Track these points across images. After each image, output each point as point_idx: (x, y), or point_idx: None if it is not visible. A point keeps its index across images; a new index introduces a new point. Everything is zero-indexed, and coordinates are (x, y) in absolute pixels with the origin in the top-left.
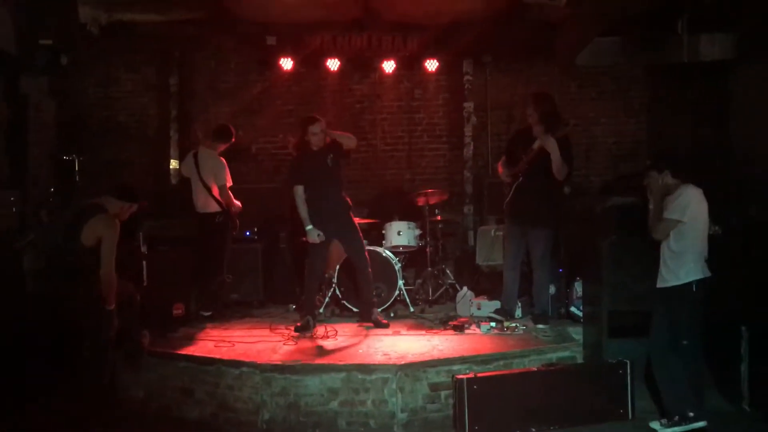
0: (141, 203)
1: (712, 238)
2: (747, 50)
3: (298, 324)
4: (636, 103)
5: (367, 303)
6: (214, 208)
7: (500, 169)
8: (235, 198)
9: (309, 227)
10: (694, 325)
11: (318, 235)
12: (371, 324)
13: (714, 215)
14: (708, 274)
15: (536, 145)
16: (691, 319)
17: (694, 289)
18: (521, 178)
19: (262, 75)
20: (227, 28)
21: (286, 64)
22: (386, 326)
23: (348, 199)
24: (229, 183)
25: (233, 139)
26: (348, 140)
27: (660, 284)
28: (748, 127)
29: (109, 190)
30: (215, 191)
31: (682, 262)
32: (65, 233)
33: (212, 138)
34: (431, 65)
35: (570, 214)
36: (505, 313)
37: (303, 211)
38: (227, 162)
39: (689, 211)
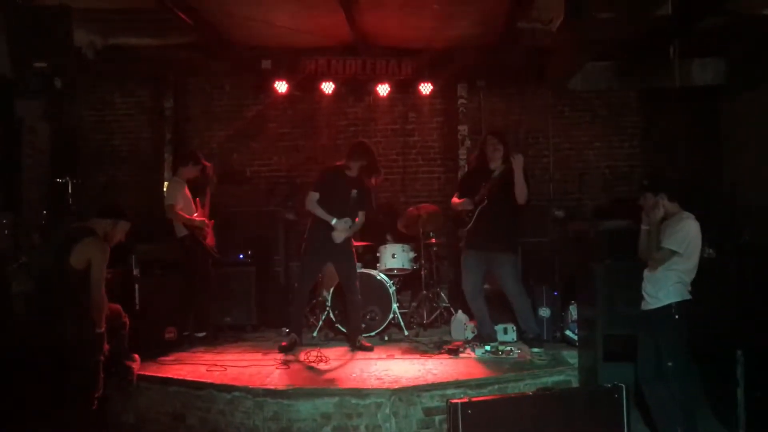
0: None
1: (706, 262)
2: (737, 76)
3: (283, 344)
4: (629, 127)
5: (354, 331)
6: (183, 232)
7: (456, 200)
8: (228, 220)
9: (334, 220)
10: (677, 347)
11: (345, 221)
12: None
13: (708, 239)
14: (687, 297)
15: (497, 173)
16: (674, 341)
17: (673, 311)
18: (486, 201)
19: (256, 98)
20: (222, 52)
21: (281, 87)
22: (370, 349)
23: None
24: (178, 205)
25: (198, 163)
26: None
27: (643, 307)
28: (740, 150)
29: (94, 212)
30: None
31: (661, 286)
32: (55, 256)
33: (176, 164)
34: (425, 89)
35: (564, 238)
36: (482, 339)
37: (319, 211)
38: (221, 184)
39: (688, 244)
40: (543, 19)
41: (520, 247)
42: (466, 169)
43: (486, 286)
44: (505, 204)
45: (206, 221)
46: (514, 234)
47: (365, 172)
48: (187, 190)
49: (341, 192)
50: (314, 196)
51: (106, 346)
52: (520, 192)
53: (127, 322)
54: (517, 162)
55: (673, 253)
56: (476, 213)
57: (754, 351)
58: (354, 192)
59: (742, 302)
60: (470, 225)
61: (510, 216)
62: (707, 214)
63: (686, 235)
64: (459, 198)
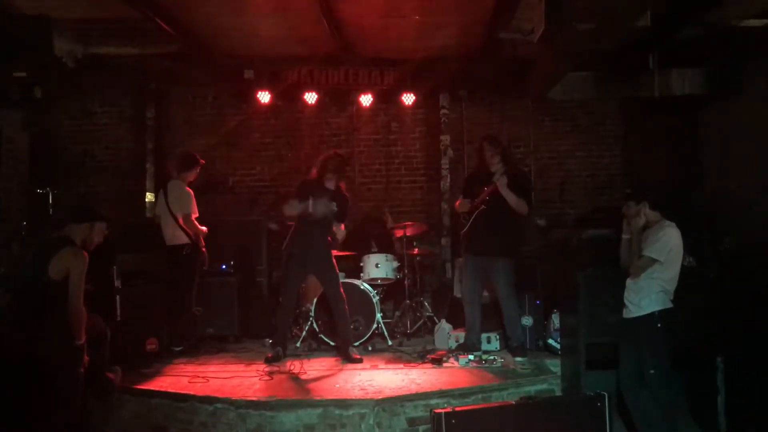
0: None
1: (686, 270)
2: (715, 86)
3: (269, 355)
4: (610, 136)
5: (345, 340)
6: (183, 240)
7: (458, 202)
8: (211, 230)
9: (310, 204)
10: (659, 355)
11: (324, 204)
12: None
13: (687, 247)
14: (670, 305)
15: (497, 176)
16: (656, 348)
17: (655, 319)
18: (483, 206)
19: (239, 108)
20: (204, 62)
21: (264, 97)
22: (360, 361)
23: (330, 240)
24: (195, 214)
25: (200, 165)
26: (340, 234)
27: (625, 315)
28: (719, 159)
29: (69, 219)
30: (181, 221)
31: (644, 294)
32: (33, 267)
33: (178, 168)
34: (408, 99)
35: (546, 247)
36: (467, 347)
37: (297, 207)
38: (204, 194)
39: (668, 252)
40: (524, 29)
41: None
42: (469, 172)
43: (485, 293)
44: (502, 209)
45: (205, 230)
46: (512, 239)
47: (340, 181)
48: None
49: (319, 201)
50: (295, 203)
51: (86, 358)
52: (518, 207)
53: (108, 334)
54: (501, 184)
55: (654, 260)
56: (473, 217)
57: (734, 358)
58: (333, 205)
59: (722, 310)
60: (467, 228)
61: (508, 221)
62: (687, 222)
63: (666, 243)
64: (461, 200)
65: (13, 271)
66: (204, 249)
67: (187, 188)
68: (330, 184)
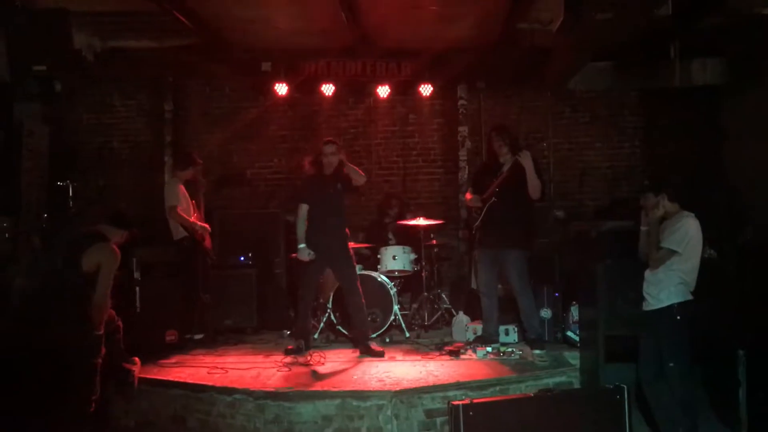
0: (132, 232)
1: (707, 262)
2: (736, 75)
3: (290, 347)
4: (629, 127)
5: (359, 332)
6: (183, 233)
7: (469, 196)
8: (228, 223)
9: (302, 246)
10: (679, 348)
11: (309, 254)
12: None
13: (708, 239)
14: (689, 297)
15: (506, 168)
16: (675, 341)
17: (675, 311)
18: (494, 199)
19: (256, 100)
20: (222, 55)
21: (281, 89)
22: (381, 354)
23: (347, 231)
24: (180, 205)
25: (195, 164)
26: (359, 177)
27: (644, 307)
28: (739, 150)
29: (106, 218)
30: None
31: (663, 286)
32: (65, 259)
33: (175, 166)
34: (426, 90)
35: (565, 239)
36: (485, 339)
37: (301, 229)
38: (222, 187)
39: (686, 243)
40: (542, 20)
41: None
42: (479, 165)
43: (499, 286)
44: (514, 200)
45: (207, 227)
46: (525, 230)
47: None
48: (185, 191)
49: (325, 192)
50: (304, 208)
51: (103, 349)
52: (533, 187)
53: (121, 326)
54: (525, 158)
55: (672, 252)
56: (485, 210)
57: (756, 351)
58: (338, 186)
59: (743, 302)
60: (479, 222)
61: (520, 212)
62: (707, 213)
63: (685, 234)
64: (471, 194)
65: (38, 262)
66: (200, 239)
67: (180, 186)
68: (328, 170)
